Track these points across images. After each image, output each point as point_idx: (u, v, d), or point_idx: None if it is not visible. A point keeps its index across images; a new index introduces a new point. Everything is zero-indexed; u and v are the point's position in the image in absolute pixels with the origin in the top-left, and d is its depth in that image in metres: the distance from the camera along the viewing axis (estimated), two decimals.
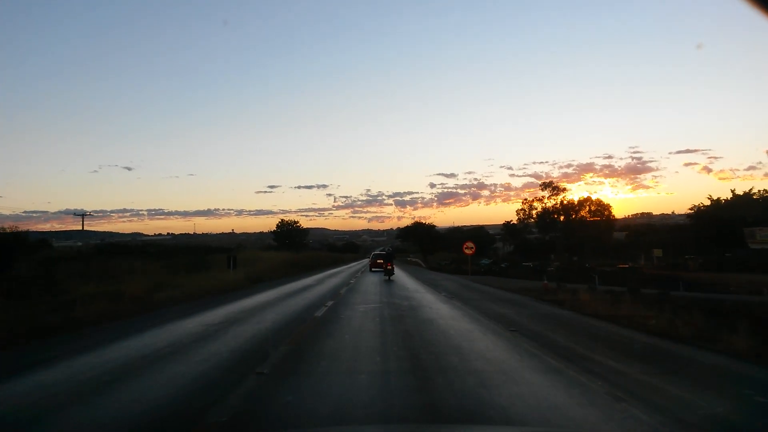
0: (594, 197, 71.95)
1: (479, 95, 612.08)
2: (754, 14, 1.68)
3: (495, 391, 5.29)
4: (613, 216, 69.50)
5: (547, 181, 72.50)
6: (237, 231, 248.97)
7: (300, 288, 22.23)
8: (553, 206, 71.41)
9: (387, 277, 27.94)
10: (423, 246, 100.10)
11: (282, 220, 74.69)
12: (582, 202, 70.06)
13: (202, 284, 20.14)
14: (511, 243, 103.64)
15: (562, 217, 71.15)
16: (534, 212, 72.90)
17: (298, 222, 75.30)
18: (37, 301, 14.07)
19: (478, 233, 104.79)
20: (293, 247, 59.08)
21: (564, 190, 71.75)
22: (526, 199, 74.29)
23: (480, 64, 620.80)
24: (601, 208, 69.21)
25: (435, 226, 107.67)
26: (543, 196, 72.31)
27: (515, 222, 75.20)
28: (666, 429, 4.21)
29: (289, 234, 70.71)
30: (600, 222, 68.06)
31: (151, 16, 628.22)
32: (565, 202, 71.05)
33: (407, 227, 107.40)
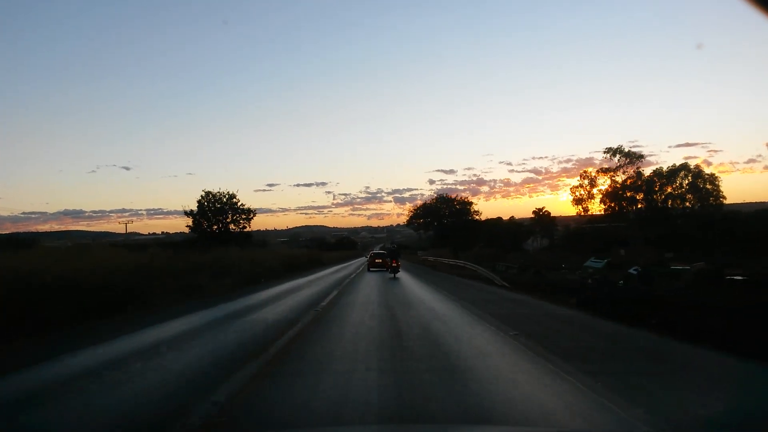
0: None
1: (478, 91, 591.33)
2: (752, 11, 1.75)
3: None
4: (722, 194, 46.40)
5: (615, 146, 49.26)
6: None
7: None
8: (626, 180, 48.67)
9: (392, 275, 24.61)
10: (455, 238, 60.14)
11: (208, 192, 39.09)
12: (673, 173, 47.10)
13: None
14: (545, 236, 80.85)
15: (640, 196, 48.40)
16: (598, 190, 50.21)
17: (236, 198, 39.68)
18: None
19: (503, 225, 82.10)
20: (208, 245, 29.45)
21: (641, 157, 48.82)
22: (585, 172, 51.37)
23: (478, 59, 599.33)
24: (704, 182, 46.28)
25: (473, 204, 67.95)
26: (610, 168, 49.55)
27: (574, 205, 51.40)
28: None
29: (222, 225, 39.53)
30: (706, 204, 45.14)
31: (150, 16, 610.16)
32: (645, 174, 48.29)
33: (425, 205, 68.56)
